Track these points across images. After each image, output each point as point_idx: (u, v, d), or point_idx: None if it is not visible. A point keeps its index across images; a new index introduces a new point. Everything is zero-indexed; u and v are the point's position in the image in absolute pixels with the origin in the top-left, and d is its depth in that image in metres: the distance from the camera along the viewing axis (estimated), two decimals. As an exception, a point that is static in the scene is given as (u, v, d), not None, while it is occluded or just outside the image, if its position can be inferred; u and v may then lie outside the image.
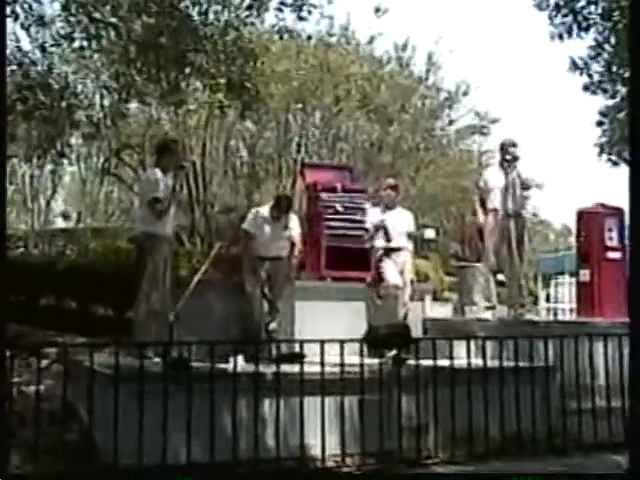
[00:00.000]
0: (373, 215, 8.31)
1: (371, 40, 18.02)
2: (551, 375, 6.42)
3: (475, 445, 5.83)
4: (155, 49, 9.57)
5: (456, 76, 19.31)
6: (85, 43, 10.46)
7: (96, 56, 11.32)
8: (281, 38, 12.73)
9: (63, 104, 10.85)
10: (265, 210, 7.64)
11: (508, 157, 8.44)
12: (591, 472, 5.76)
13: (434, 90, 18.99)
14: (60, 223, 21.93)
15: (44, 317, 9.25)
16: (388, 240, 7.97)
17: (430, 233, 17.59)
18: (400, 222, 8.13)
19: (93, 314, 10.32)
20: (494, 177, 8.64)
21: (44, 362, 6.76)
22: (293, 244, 7.57)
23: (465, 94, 19.05)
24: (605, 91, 12.69)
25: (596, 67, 12.58)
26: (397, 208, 8.31)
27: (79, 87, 12.04)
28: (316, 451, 5.54)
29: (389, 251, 7.96)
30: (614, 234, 9.10)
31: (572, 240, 15.80)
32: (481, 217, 8.77)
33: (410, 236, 8.23)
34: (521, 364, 6.24)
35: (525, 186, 8.49)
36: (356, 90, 16.27)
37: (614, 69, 12.30)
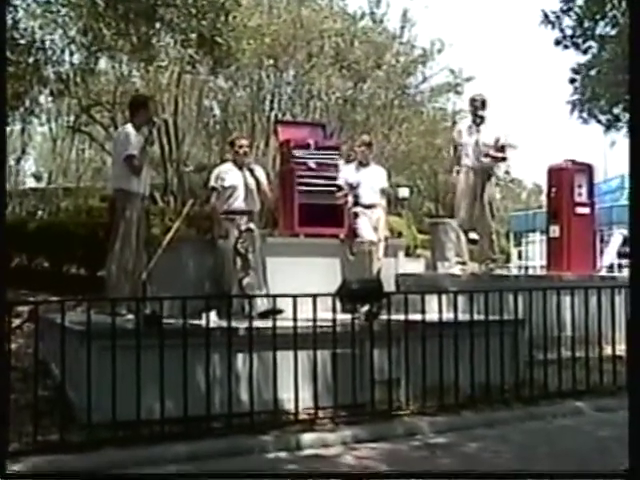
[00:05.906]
0: (347, 172, 8.31)
1: (344, -5, 17.77)
2: (520, 328, 6.55)
3: (445, 396, 5.95)
4: (124, 2, 9.35)
5: (431, 33, 19.11)
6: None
7: (63, 10, 11.01)
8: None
9: (30, 60, 10.60)
10: (227, 165, 7.62)
11: (478, 113, 8.53)
12: (555, 419, 5.97)
13: (408, 47, 18.79)
14: (31, 183, 21.52)
15: (16, 277, 9.13)
16: (359, 200, 8.01)
17: (404, 192, 17.55)
18: (374, 179, 8.17)
19: (65, 273, 10.23)
20: (465, 133, 8.70)
21: (16, 321, 6.74)
22: (264, 195, 7.56)
23: (440, 51, 18.85)
24: (577, 46, 12.70)
25: (568, 21, 12.59)
26: (371, 165, 8.34)
27: (47, 42, 11.71)
28: (289, 405, 5.62)
29: (363, 208, 8.01)
30: (583, 190, 9.24)
31: (543, 198, 15.91)
32: (454, 173, 8.86)
33: (384, 192, 8.26)
34: (491, 317, 6.35)
35: (500, 148, 8.56)
36: (329, 46, 16.05)
37: (585, 23, 12.32)
